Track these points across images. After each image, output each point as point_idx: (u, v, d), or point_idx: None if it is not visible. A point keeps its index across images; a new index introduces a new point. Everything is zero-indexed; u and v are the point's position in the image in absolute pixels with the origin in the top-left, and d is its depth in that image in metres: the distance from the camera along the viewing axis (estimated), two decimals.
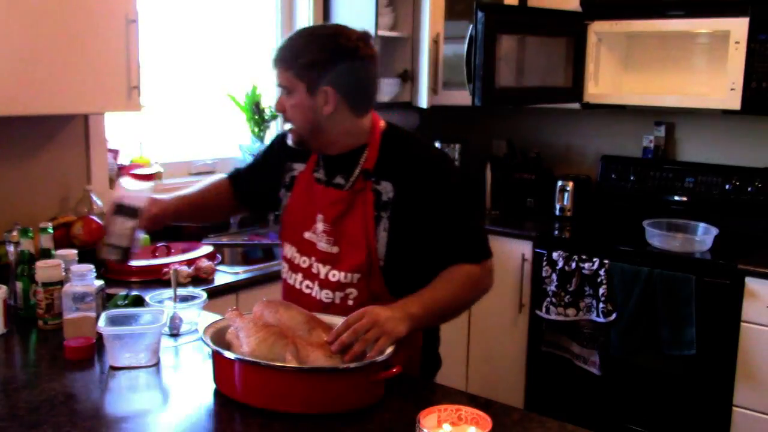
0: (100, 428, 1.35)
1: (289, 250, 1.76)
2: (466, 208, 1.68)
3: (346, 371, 1.39)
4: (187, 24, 3.18)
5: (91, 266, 1.81)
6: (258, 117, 3.28)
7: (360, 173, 1.65)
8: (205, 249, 2.68)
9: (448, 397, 1.49)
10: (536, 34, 3.31)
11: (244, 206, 2.01)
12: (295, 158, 1.77)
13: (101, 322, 1.62)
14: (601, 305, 3.05)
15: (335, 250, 1.66)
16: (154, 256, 2.57)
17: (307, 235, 1.71)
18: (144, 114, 2.79)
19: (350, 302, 1.66)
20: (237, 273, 2.59)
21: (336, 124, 1.63)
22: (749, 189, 3.26)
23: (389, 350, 1.43)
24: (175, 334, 1.81)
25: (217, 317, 1.68)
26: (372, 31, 3.34)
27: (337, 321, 1.50)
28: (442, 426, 1.15)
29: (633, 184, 3.57)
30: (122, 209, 1.71)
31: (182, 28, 3.16)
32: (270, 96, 3.33)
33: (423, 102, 3.61)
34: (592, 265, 3.08)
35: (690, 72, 3.41)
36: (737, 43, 2.93)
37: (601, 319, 3.05)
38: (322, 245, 1.68)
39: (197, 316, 1.88)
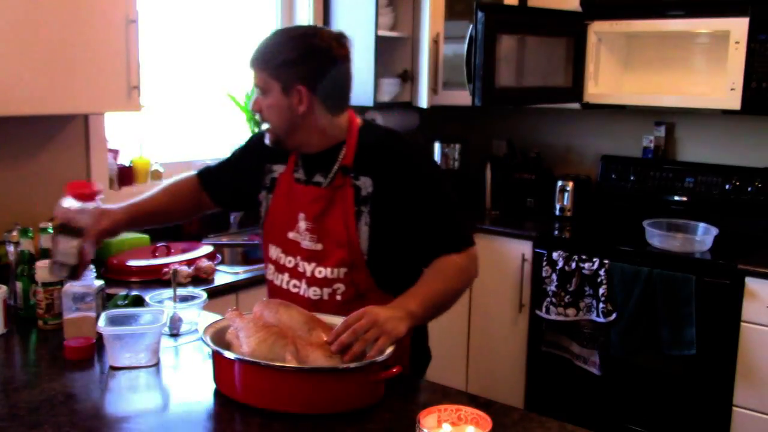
0: (100, 428, 1.35)
1: (274, 252, 1.78)
2: (444, 199, 1.72)
3: (346, 371, 1.38)
4: (187, 24, 3.18)
5: (91, 266, 1.81)
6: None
7: (338, 169, 1.68)
8: (205, 249, 2.68)
9: (448, 397, 1.49)
10: (536, 34, 3.31)
11: (216, 205, 1.98)
12: (275, 160, 1.79)
13: (101, 322, 1.62)
14: (601, 305, 3.05)
15: (319, 247, 1.68)
16: (154, 256, 2.57)
17: (291, 235, 1.72)
18: (144, 114, 2.79)
19: (338, 297, 1.68)
20: (237, 273, 2.58)
21: (311, 123, 1.65)
22: (749, 189, 3.26)
23: (389, 350, 1.43)
24: (175, 334, 1.81)
25: (217, 317, 1.68)
26: (372, 31, 3.39)
27: (337, 321, 1.50)
28: (442, 426, 1.15)
29: (633, 184, 3.57)
30: (65, 229, 1.72)
31: (182, 28, 3.16)
32: None
33: (423, 102, 3.61)
34: (592, 265, 3.08)
35: (690, 72, 3.41)
36: (737, 43, 2.93)
37: (601, 319, 3.06)
38: (306, 243, 1.70)
39: (197, 316, 1.88)
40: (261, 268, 2.65)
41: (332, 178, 1.68)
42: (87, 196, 1.75)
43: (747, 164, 3.32)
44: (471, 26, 3.21)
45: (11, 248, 2.19)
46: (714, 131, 3.46)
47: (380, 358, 1.40)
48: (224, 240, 3.03)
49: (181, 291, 1.93)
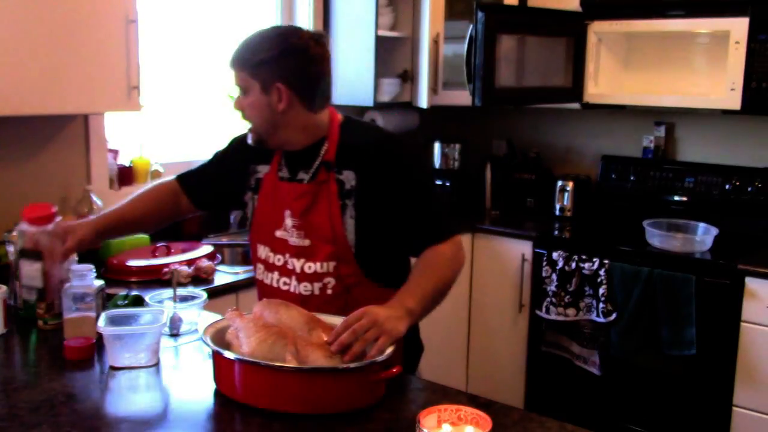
0: (100, 428, 1.35)
1: (262, 251, 1.79)
2: (427, 189, 1.74)
3: (346, 371, 1.38)
4: (187, 24, 3.18)
5: (91, 266, 1.81)
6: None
7: (321, 165, 1.70)
8: (205, 249, 2.68)
9: (448, 397, 1.49)
10: (536, 34, 3.31)
11: (197, 209, 1.99)
12: (258, 160, 1.81)
13: (101, 322, 1.62)
14: (601, 305, 3.05)
15: (307, 242, 1.70)
16: (154, 256, 2.57)
17: (278, 233, 1.74)
18: (144, 114, 2.79)
19: (329, 291, 1.70)
20: (237, 273, 2.58)
21: (291, 121, 1.67)
22: (749, 189, 3.26)
23: (389, 350, 1.43)
24: (175, 334, 1.81)
25: (217, 317, 1.68)
26: (372, 31, 3.39)
27: (338, 321, 1.50)
28: (442, 426, 1.15)
29: (633, 184, 3.57)
30: (25, 253, 1.72)
31: (182, 28, 3.16)
32: None
33: (423, 102, 3.61)
34: (592, 265, 3.08)
35: (690, 72, 3.41)
36: (737, 43, 2.93)
37: (601, 319, 3.06)
38: (294, 240, 1.71)
39: (197, 316, 1.87)
40: None
41: (315, 173, 1.70)
42: (43, 219, 1.75)
43: (747, 164, 3.33)
44: (471, 26, 3.21)
45: (11, 248, 2.19)
46: (714, 131, 3.46)
47: (380, 358, 1.40)
48: (224, 240, 3.03)
49: (181, 291, 1.93)
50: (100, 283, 1.84)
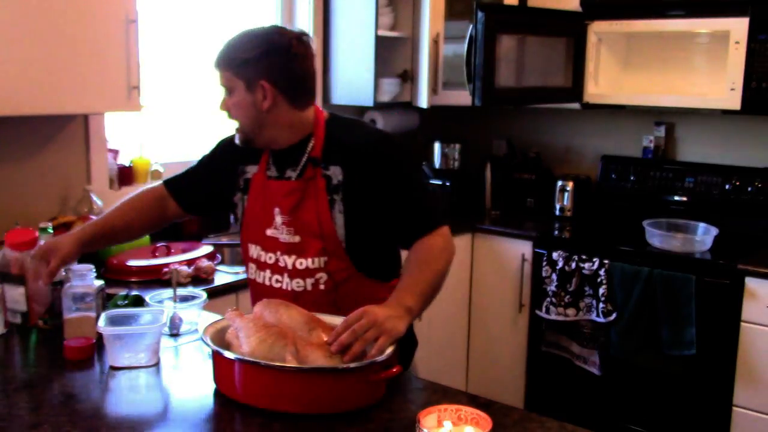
0: (100, 428, 1.35)
1: (254, 250, 1.80)
2: (414, 181, 1.76)
3: (346, 371, 1.38)
4: (187, 24, 3.18)
5: (91, 266, 1.81)
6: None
7: (308, 161, 1.71)
8: (205, 249, 2.68)
9: (448, 397, 1.49)
10: (536, 34, 3.31)
11: (185, 213, 1.98)
12: (246, 161, 1.82)
13: (101, 322, 1.62)
14: (601, 305, 3.05)
15: (297, 239, 1.71)
16: (154, 256, 2.57)
17: (269, 232, 1.75)
18: (144, 114, 2.79)
19: (321, 287, 1.72)
20: (237, 273, 2.58)
21: (277, 118, 1.68)
22: (749, 189, 3.26)
23: (389, 350, 1.43)
24: (175, 334, 1.81)
25: (217, 317, 1.68)
26: (372, 31, 3.39)
27: (337, 321, 1.50)
28: (443, 424, 1.15)
29: (633, 184, 3.57)
30: (7, 278, 1.73)
31: (182, 28, 3.16)
32: None
33: (423, 102, 3.61)
34: (592, 265, 3.08)
35: (690, 72, 3.41)
36: (737, 43, 2.93)
37: (601, 319, 3.06)
38: (284, 237, 1.73)
39: (197, 316, 1.88)
40: None
41: (302, 170, 1.72)
42: (26, 244, 1.75)
43: (747, 164, 3.33)
44: (471, 26, 3.21)
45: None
46: (714, 131, 3.46)
47: (381, 358, 1.40)
48: (224, 240, 3.03)
49: (181, 291, 1.93)
50: (100, 283, 1.84)
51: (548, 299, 3.21)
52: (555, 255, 3.19)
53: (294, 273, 1.72)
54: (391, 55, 3.67)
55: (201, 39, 3.24)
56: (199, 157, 1.97)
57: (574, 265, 3.13)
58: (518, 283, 3.37)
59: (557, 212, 3.65)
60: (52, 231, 2.27)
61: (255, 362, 1.37)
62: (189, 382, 1.58)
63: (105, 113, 2.77)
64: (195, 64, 3.23)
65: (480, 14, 3.00)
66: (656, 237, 3.08)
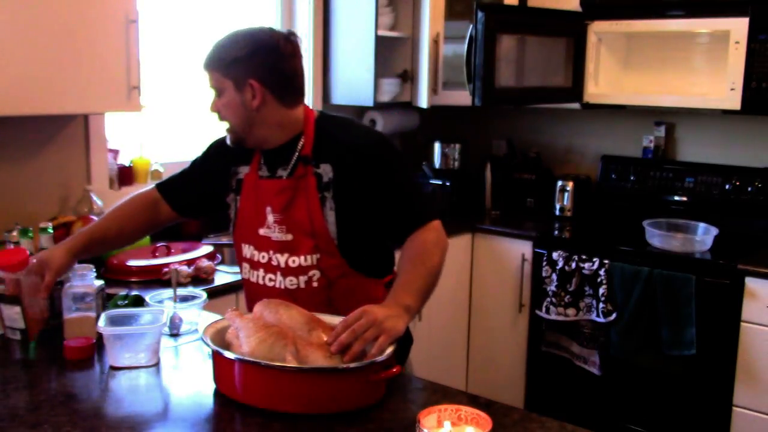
0: (100, 428, 1.35)
1: (247, 250, 1.80)
2: (403, 176, 1.76)
3: (346, 371, 1.38)
4: (187, 24, 3.18)
5: (91, 266, 1.81)
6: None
7: (298, 159, 1.72)
8: (205, 249, 2.68)
9: (448, 397, 1.49)
10: (536, 34, 3.31)
11: (179, 216, 1.99)
12: (238, 162, 1.83)
13: (101, 322, 1.62)
14: (601, 305, 3.05)
15: (289, 237, 1.72)
16: (154, 256, 2.57)
17: (261, 231, 1.76)
18: (144, 114, 2.79)
19: (314, 284, 1.73)
20: (237, 273, 2.56)
21: (267, 117, 1.70)
22: (749, 189, 3.26)
23: (389, 349, 1.43)
24: (175, 334, 1.81)
25: (217, 317, 1.68)
26: (372, 31, 3.39)
27: (337, 321, 1.50)
28: (443, 424, 1.15)
29: (633, 184, 3.57)
30: (2, 298, 1.73)
31: (182, 28, 3.16)
32: None
33: (423, 102, 3.61)
34: (592, 265, 3.08)
35: (690, 72, 3.41)
36: (737, 43, 2.93)
37: (601, 319, 3.06)
38: (276, 236, 1.73)
39: (197, 316, 1.88)
40: None
41: (293, 168, 1.73)
42: (17, 265, 1.74)
43: (747, 164, 3.33)
44: (471, 26, 3.21)
45: (11, 248, 2.19)
46: (714, 131, 3.46)
47: (381, 358, 1.40)
48: (224, 240, 3.02)
49: (181, 291, 1.93)
50: (100, 283, 1.84)
51: (548, 299, 3.21)
52: (555, 255, 3.19)
53: (287, 271, 1.73)
54: (391, 55, 3.67)
55: (201, 39, 3.24)
56: (192, 160, 1.98)
57: (574, 265, 3.13)
58: (518, 283, 3.37)
59: (557, 212, 3.65)
60: (52, 231, 2.27)
61: (255, 362, 1.37)
62: (189, 382, 1.58)
63: (105, 113, 2.76)
64: (195, 64, 3.23)
65: (480, 14, 3.00)
66: (656, 237, 3.08)
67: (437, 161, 3.86)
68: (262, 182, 1.77)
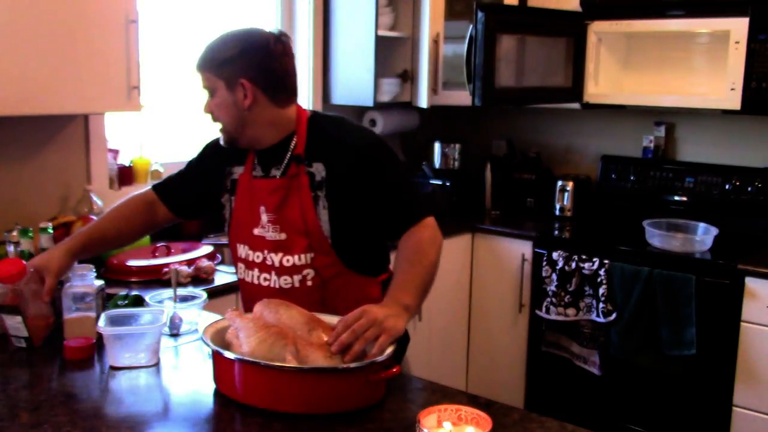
0: (100, 428, 1.35)
1: (242, 250, 1.81)
2: (395, 174, 1.77)
3: (346, 371, 1.38)
4: (187, 24, 3.18)
5: (91, 266, 1.81)
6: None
7: (291, 159, 1.73)
8: (205, 249, 2.68)
9: (448, 397, 1.49)
10: (536, 34, 3.31)
11: (176, 217, 1.99)
12: (233, 162, 1.84)
13: (101, 322, 1.62)
14: (601, 305, 3.05)
15: (283, 236, 1.73)
16: (154, 256, 2.57)
17: (256, 231, 1.77)
18: (144, 114, 2.79)
19: (309, 283, 1.74)
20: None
21: (258, 117, 1.71)
22: (749, 189, 3.26)
23: (389, 349, 1.43)
24: (175, 334, 1.81)
25: (217, 317, 1.68)
26: (372, 31, 3.39)
27: (337, 321, 1.50)
28: (443, 424, 1.15)
29: (633, 184, 3.57)
30: (3, 308, 1.73)
31: (182, 28, 3.16)
32: None
33: (423, 102, 3.61)
34: (592, 265, 3.08)
35: (690, 72, 3.41)
36: (737, 43, 2.93)
37: (601, 319, 3.06)
38: (270, 235, 1.74)
39: (197, 316, 1.88)
40: None
41: (286, 167, 1.74)
42: (15, 275, 1.74)
43: (747, 164, 3.33)
44: (471, 26, 3.21)
45: (11, 248, 2.20)
46: (714, 131, 3.46)
47: (381, 358, 1.40)
48: (224, 240, 3.01)
49: (181, 291, 1.93)
50: (100, 283, 1.84)
51: (548, 299, 3.21)
52: (555, 255, 3.19)
53: (281, 270, 1.74)
54: (391, 55, 3.67)
55: (201, 39, 3.24)
56: (187, 161, 1.99)
57: (574, 265, 3.13)
58: (518, 283, 3.37)
59: (557, 212, 3.65)
60: (52, 231, 2.27)
61: (255, 362, 1.37)
62: (189, 382, 1.58)
63: (105, 113, 2.76)
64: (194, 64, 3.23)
65: (480, 14, 3.00)
66: (656, 237, 3.08)
67: (437, 161, 3.86)
68: (256, 182, 1.78)
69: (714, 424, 2.91)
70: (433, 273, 1.68)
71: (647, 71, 3.51)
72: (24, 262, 1.80)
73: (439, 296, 3.28)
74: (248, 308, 1.75)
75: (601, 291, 3.05)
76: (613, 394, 3.15)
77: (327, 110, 3.57)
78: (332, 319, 1.55)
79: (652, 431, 3.07)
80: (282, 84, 1.72)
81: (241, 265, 1.83)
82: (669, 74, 3.45)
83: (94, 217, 2.52)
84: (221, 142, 1.78)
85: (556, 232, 3.44)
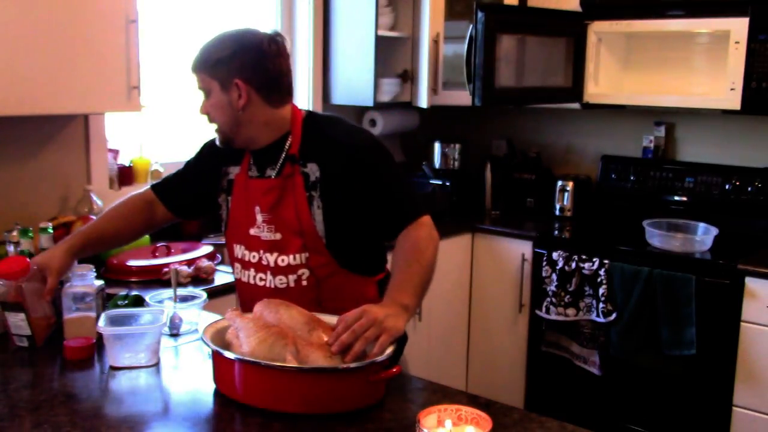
0: (100, 428, 1.35)
1: (238, 250, 1.82)
2: (390, 173, 1.77)
3: (346, 371, 1.39)
4: (187, 24, 3.18)
5: (91, 266, 1.81)
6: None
7: (286, 159, 1.74)
8: (205, 249, 2.68)
9: (448, 397, 1.49)
10: (536, 34, 3.31)
11: (175, 217, 1.99)
12: (229, 162, 1.85)
13: (101, 322, 1.63)
14: (601, 305, 3.05)
15: (278, 236, 1.74)
16: (154, 256, 2.57)
17: (252, 231, 1.77)
18: (144, 114, 2.79)
19: (304, 283, 1.74)
20: None
21: (253, 117, 1.72)
22: (749, 189, 3.26)
23: (390, 349, 1.43)
24: (175, 334, 1.81)
25: (217, 317, 1.68)
26: (372, 31, 3.39)
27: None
28: (443, 424, 1.15)
29: (633, 184, 3.57)
30: (6, 306, 1.73)
31: (182, 28, 3.16)
32: None
33: (423, 102, 3.61)
34: (592, 265, 3.08)
35: (690, 72, 3.41)
36: (737, 43, 2.93)
37: (601, 319, 3.06)
38: (265, 235, 1.75)
39: (197, 316, 1.88)
40: None
41: (281, 168, 1.74)
42: (18, 273, 1.74)
43: (747, 164, 3.32)
44: (471, 26, 3.21)
45: (11, 248, 2.19)
46: (714, 131, 3.46)
47: (381, 358, 1.40)
48: (224, 240, 3.02)
49: (181, 291, 1.93)
50: (100, 283, 1.84)
51: (548, 299, 3.21)
52: (555, 255, 3.19)
53: (276, 270, 1.75)
54: (391, 55, 3.67)
55: (201, 39, 3.24)
56: (186, 161, 1.99)
57: (574, 265, 3.13)
58: (518, 283, 3.37)
59: (557, 212, 3.65)
60: (52, 231, 2.27)
61: (255, 362, 1.37)
62: (189, 382, 1.59)
63: (105, 113, 2.76)
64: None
65: (480, 14, 3.00)
66: (656, 237, 3.08)
67: (437, 161, 3.86)
68: (252, 182, 1.78)
69: (714, 424, 2.91)
70: (431, 271, 1.68)
71: (647, 71, 3.51)
72: (28, 259, 1.80)
73: (439, 296, 3.28)
74: (245, 308, 1.76)
75: (601, 291, 3.05)
76: (613, 394, 3.15)
77: (327, 110, 3.58)
78: (332, 319, 1.55)
79: (652, 431, 3.07)
80: (276, 84, 1.72)
81: (237, 265, 1.84)
82: (669, 74, 3.45)
83: (94, 217, 2.52)
84: (217, 143, 1.79)
85: (556, 232, 3.44)
